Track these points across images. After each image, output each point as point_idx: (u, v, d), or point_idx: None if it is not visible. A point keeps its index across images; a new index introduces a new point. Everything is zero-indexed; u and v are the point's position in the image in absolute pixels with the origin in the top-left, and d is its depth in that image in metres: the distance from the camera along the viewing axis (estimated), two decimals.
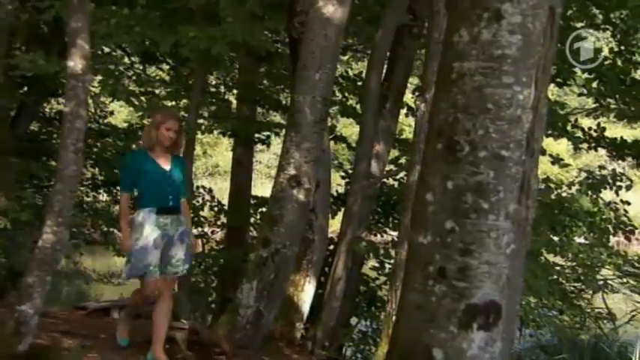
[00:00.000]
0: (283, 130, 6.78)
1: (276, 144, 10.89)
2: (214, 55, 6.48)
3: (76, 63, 4.40)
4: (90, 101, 8.97)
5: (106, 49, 9.21)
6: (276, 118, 13.16)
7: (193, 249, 5.01)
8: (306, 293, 6.21)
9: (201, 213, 8.65)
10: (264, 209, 7.62)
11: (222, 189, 12.25)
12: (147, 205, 4.56)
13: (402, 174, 7.85)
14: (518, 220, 2.62)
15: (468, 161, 2.58)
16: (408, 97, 9.07)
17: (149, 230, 4.51)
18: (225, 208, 9.25)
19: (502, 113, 2.56)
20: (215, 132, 10.44)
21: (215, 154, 31.96)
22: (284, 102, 9.75)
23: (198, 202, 8.66)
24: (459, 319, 2.57)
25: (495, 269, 2.59)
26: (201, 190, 8.83)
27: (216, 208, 8.90)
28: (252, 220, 8.98)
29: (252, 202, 9.22)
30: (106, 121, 12.66)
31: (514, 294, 2.67)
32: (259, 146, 10.56)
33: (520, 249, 2.66)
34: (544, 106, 2.68)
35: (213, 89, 10.13)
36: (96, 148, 11.85)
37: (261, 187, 14.58)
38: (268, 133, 10.11)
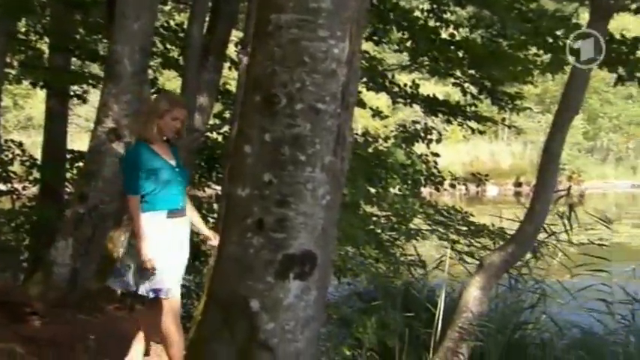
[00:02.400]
0: (102, 83, 6.46)
1: (96, 96, 10.38)
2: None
3: None
4: None
5: None
6: (95, 69, 12.52)
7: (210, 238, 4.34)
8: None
9: (11, 168, 8.13)
10: (82, 164, 7.27)
11: (36, 143, 11.57)
12: (154, 207, 3.96)
13: (225, 128, 7.81)
14: (334, 171, 2.69)
15: (285, 114, 2.60)
16: (232, 50, 8.98)
17: (160, 236, 3.95)
18: (39, 162, 8.76)
19: (318, 67, 2.59)
20: (25, 82, 9.75)
21: (28, 106, 30.00)
22: (102, 52, 9.29)
23: (7, 156, 8.12)
24: (275, 269, 2.62)
25: (311, 220, 2.65)
26: (11, 144, 8.26)
27: (27, 163, 8.40)
28: (68, 175, 8.57)
29: (68, 156, 8.78)
30: None
31: (329, 244, 2.76)
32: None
33: (335, 200, 2.73)
34: (358, 60, 2.75)
35: (22, 36, 9.43)
36: None
37: (81, 142, 13.87)
38: (85, 86, 9.61)
